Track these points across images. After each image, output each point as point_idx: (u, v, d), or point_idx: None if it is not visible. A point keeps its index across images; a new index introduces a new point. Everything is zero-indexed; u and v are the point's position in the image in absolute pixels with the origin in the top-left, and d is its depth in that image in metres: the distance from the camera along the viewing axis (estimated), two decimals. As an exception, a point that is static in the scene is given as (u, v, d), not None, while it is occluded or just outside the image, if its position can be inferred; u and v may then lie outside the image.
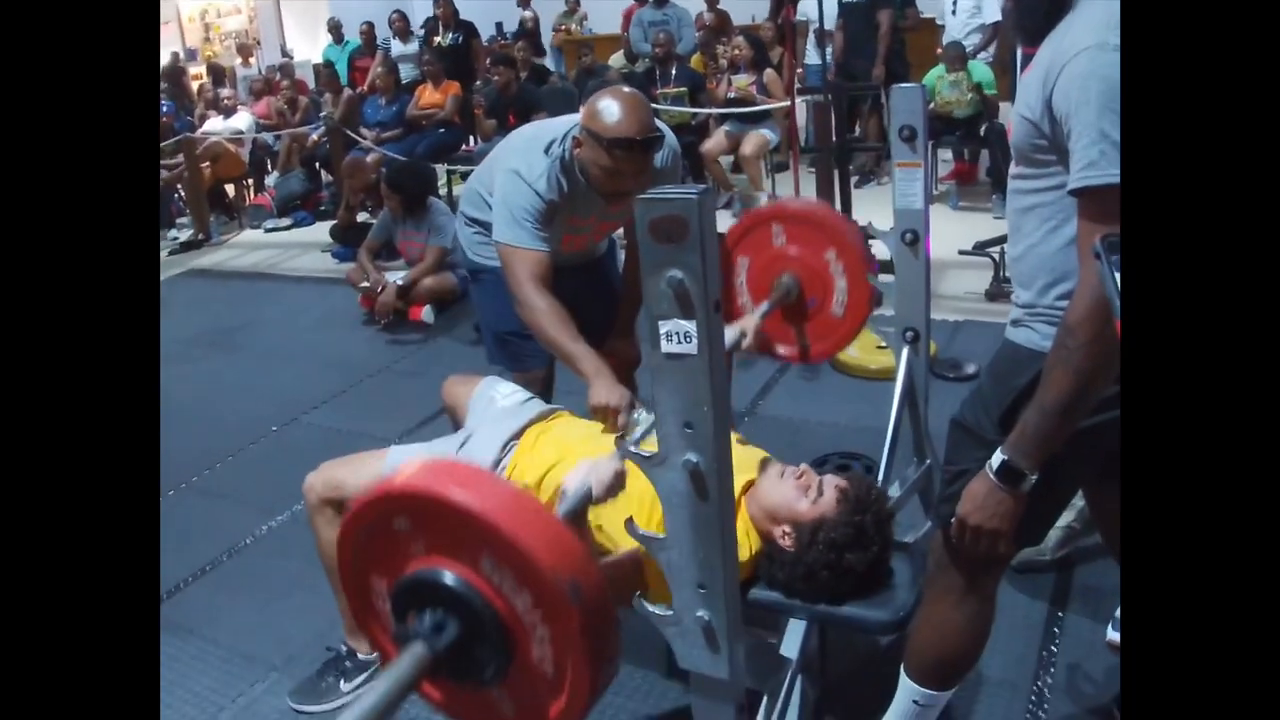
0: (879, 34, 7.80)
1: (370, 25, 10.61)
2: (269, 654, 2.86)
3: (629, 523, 1.60)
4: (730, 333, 2.42)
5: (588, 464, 1.93)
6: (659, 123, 2.58)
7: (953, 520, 1.69)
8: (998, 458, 1.58)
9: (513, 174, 2.58)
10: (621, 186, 2.53)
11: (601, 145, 2.45)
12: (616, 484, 1.89)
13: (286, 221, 8.93)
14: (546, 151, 2.58)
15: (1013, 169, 1.70)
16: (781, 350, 2.73)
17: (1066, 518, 2.79)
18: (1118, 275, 0.95)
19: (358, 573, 1.38)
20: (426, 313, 5.77)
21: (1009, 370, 1.68)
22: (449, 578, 1.23)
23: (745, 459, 2.17)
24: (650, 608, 1.59)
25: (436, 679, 1.29)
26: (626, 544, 2.03)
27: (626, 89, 2.59)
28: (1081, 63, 1.45)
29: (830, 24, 6.97)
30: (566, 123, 2.65)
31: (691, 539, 1.47)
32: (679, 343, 1.35)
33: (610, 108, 2.45)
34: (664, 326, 1.36)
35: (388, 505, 1.28)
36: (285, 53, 15.02)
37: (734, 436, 2.29)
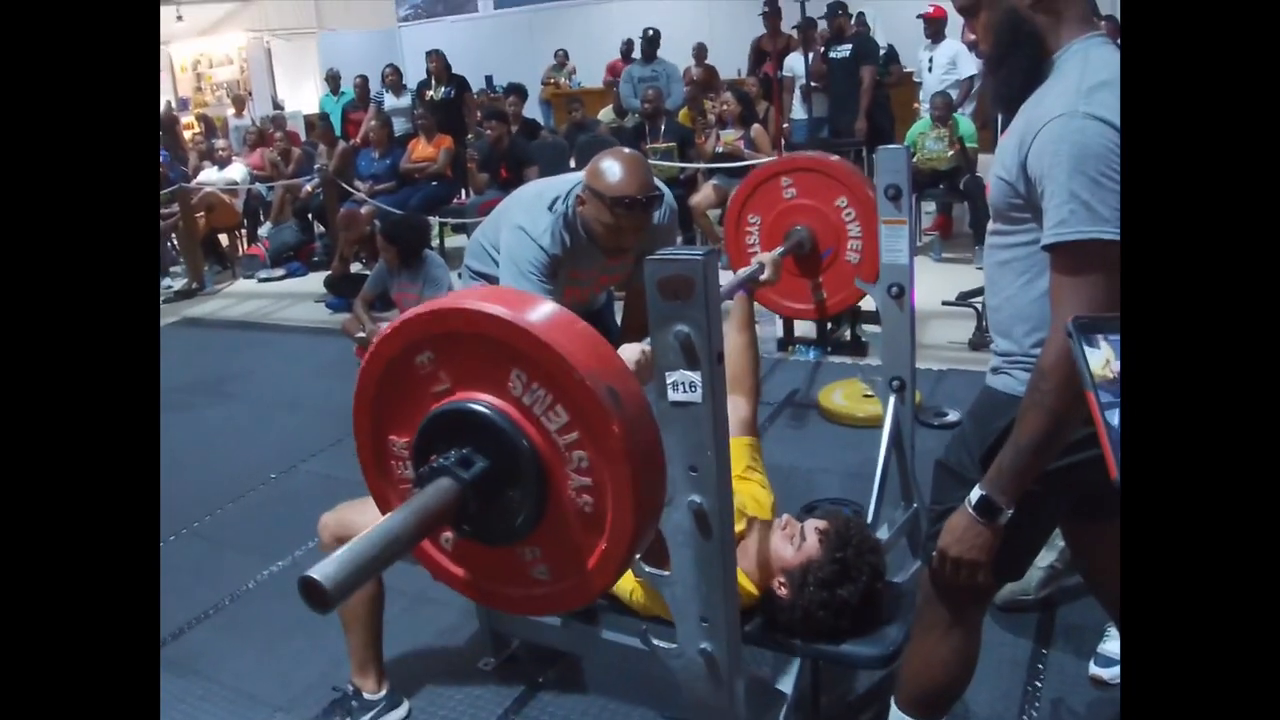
0: (861, 89, 8.00)
1: (364, 78, 10.77)
2: (273, 695, 2.92)
3: (635, 561, 1.69)
4: (748, 270, 2.51)
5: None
6: (657, 181, 2.70)
7: (935, 554, 1.79)
8: (976, 493, 1.69)
9: (518, 230, 2.70)
10: (622, 242, 2.66)
11: (604, 203, 2.58)
12: (646, 366, 1.94)
13: (280, 272, 9.03)
14: (550, 208, 2.70)
15: (990, 226, 1.82)
16: (798, 306, 2.79)
17: (1049, 558, 2.89)
18: (1088, 351, 1.03)
19: (377, 432, 1.32)
20: (421, 362, 5.84)
21: (989, 414, 1.79)
22: (476, 405, 1.17)
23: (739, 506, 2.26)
24: (656, 642, 1.68)
25: (463, 519, 1.18)
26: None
27: (627, 150, 2.71)
28: (1054, 129, 1.58)
29: (815, 81, 7.16)
30: (569, 180, 2.78)
31: (695, 575, 1.56)
32: (685, 392, 1.46)
33: (613, 168, 2.58)
34: (671, 377, 1.47)
35: (410, 335, 1.22)
36: (276, 104, 15.20)
37: (749, 450, 2.38)
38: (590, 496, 1.16)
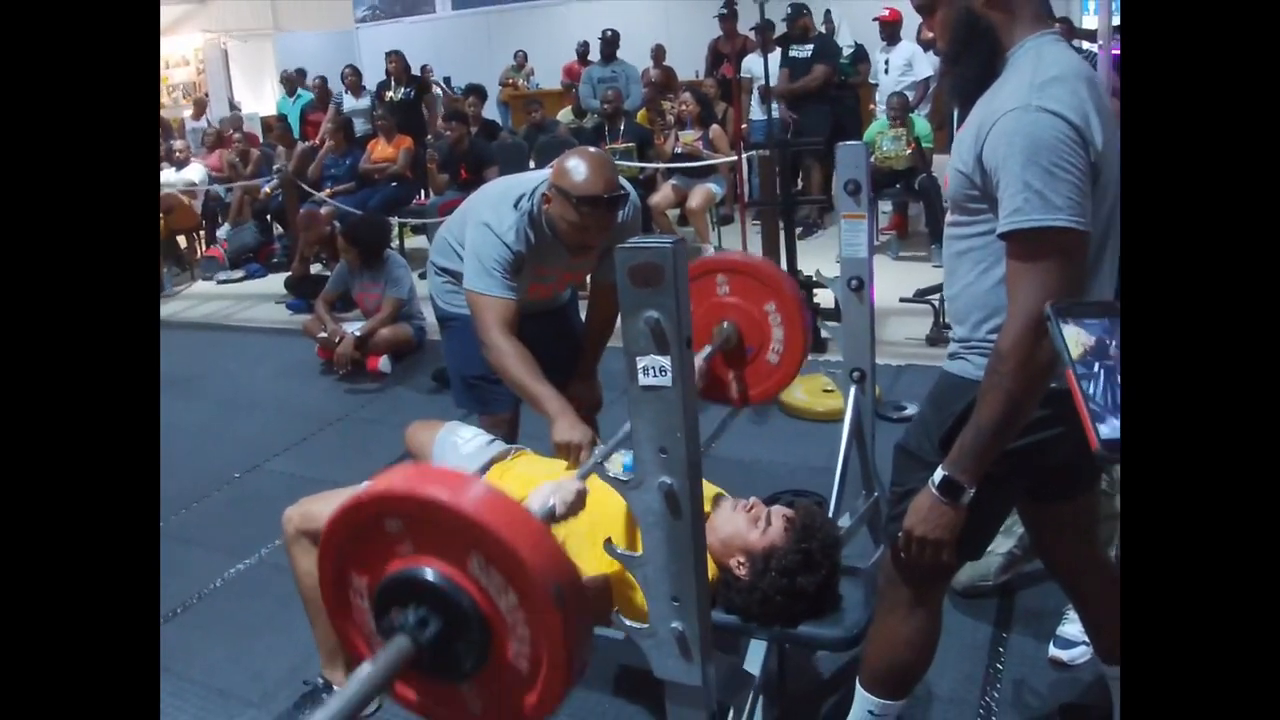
0: (814, 83, 8.07)
1: (323, 79, 10.73)
2: (245, 690, 2.94)
3: (608, 543, 1.74)
4: None
5: (551, 485, 2.05)
6: (622, 180, 2.74)
7: (899, 535, 1.85)
8: (939, 474, 1.74)
9: (484, 226, 2.73)
10: (587, 240, 2.70)
11: (570, 201, 2.61)
12: (578, 503, 2.01)
13: (239, 273, 8.99)
14: (516, 206, 2.73)
15: (949, 217, 1.88)
16: (721, 394, 2.87)
17: (1007, 545, 2.96)
18: (1065, 331, 1.08)
19: (339, 568, 1.41)
20: (384, 363, 5.87)
21: (947, 398, 1.85)
22: (437, 575, 1.28)
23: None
24: (628, 623, 1.72)
25: (416, 673, 1.32)
26: (587, 569, 2.16)
27: (593, 150, 2.75)
28: (1008, 122, 1.64)
29: (774, 80, 7.24)
30: (535, 178, 2.81)
31: (666, 555, 1.61)
32: (655, 376, 1.51)
33: (579, 167, 2.61)
34: (641, 362, 1.51)
35: (384, 506, 1.33)
36: (233, 105, 15.10)
37: None
38: (528, 661, 1.29)
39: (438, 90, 11.08)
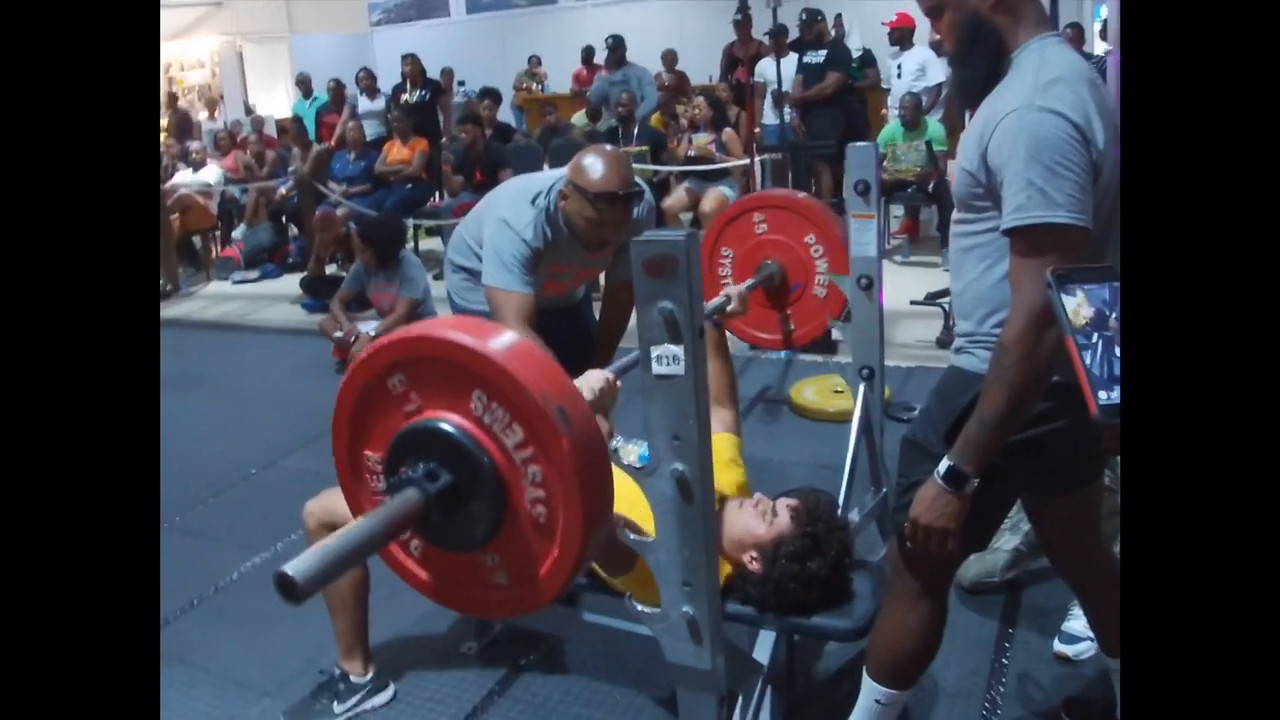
0: (827, 92, 8.12)
1: (339, 82, 10.81)
2: (261, 681, 2.98)
3: (622, 529, 1.78)
4: (716, 301, 2.61)
5: (579, 379, 2.07)
6: (637, 178, 2.79)
7: (906, 524, 1.89)
8: (944, 464, 1.78)
9: (502, 223, 2.78)
10: (603, 236, 2.74)
11: (587, 198, 2.66)
12: (610, 390, 2.05)
13: (254, 274, 9.05)
14: (533, 203, 2.78)
15: (954, 215, 1.93)
16: (765, 336, 2.89)
17: (1013, 542, 2.99)
18: (1065, 299, 1.11)
19: (353, 447, 1.44)
20: (398, 361, 5.90)
21: (953, 391, 1.89)
22: (442, 424, 1.28)
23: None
24: (639, 606, 1.77)
25: (427, 527, 1.30)
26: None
27: (609, 146, 2.80)
28: (1011, 121, 1.69)
29: (788, 85, 7.27)
30: (551, 176, 2.86)
31: (678, 540, 1.65)
32: (668, 365, 1.55)
33: (595, 164, 2.66)
34: (655, 351, 1.56)
35: (384, 358, 1.34)
36: (248, 107, 15.18)
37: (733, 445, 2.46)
38: (544, 507, 1.27)
39: (458, 97, 11.12)
